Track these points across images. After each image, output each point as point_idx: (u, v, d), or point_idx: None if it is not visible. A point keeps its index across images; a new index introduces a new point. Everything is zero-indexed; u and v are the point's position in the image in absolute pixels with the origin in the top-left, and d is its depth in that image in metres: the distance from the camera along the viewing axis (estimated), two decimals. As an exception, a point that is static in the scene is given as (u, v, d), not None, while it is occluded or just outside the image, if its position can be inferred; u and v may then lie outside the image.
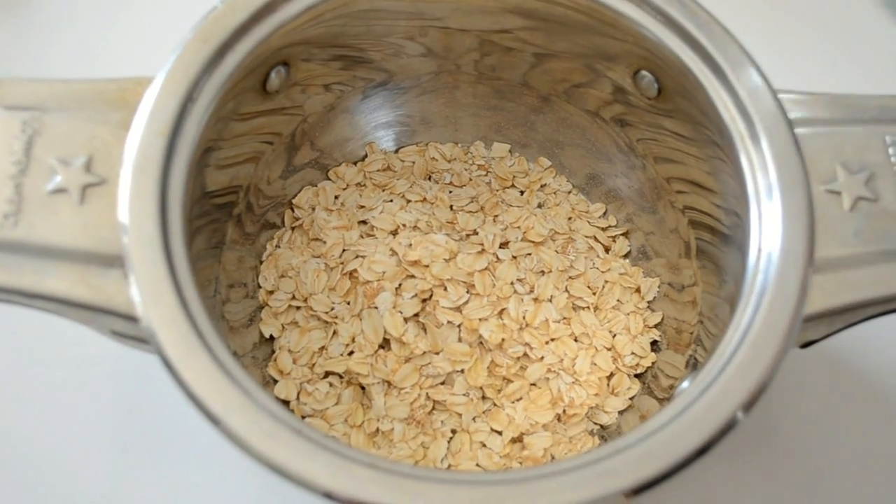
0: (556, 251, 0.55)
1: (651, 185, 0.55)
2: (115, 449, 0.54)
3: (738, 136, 0.42)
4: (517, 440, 0.50)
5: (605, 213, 0.58)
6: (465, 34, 0.53)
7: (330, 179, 0.58)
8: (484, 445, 0.50)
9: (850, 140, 0.43)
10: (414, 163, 0.58)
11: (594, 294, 0.54)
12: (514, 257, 0.54)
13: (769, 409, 0.56)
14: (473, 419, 0.51)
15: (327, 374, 0.51)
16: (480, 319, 0.50)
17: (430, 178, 0.59)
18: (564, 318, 0.53)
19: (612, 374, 0.53)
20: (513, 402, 0.51)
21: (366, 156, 0.59)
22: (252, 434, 0.35)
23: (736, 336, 0.39)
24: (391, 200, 0.56)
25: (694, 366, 0.49)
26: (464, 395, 0.51)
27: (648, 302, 0.55)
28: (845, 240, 0.41)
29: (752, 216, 0.42)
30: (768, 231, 0.41)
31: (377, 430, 0.49)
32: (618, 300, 0.54)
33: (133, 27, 0.69)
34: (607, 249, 0.57)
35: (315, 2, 0.45)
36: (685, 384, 0.44)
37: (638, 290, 0.55)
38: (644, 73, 0.48)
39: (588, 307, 0.54)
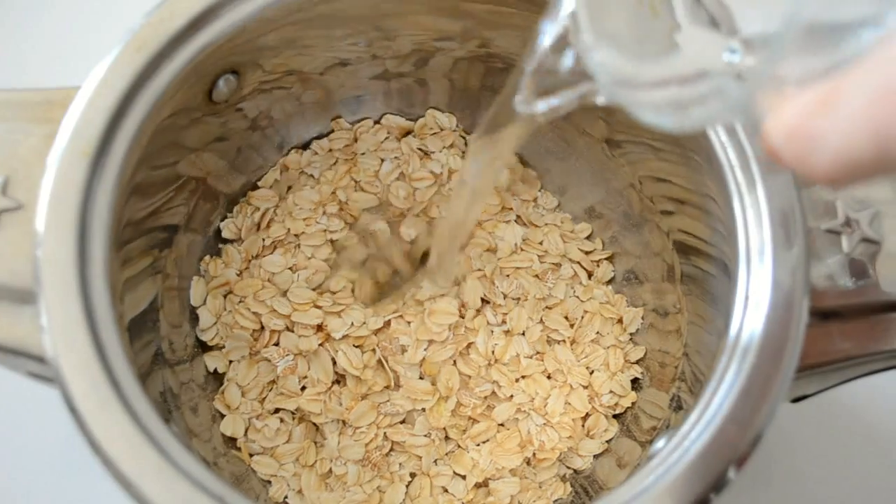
0: (535, 276, 0.51)
1: (638, 203, 0.50)
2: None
3: (728, 167, 0.38)
4: (482, 485, 0.47)
5: (590, 235, 0.53)
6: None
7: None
8: (446, 491, 0.46)
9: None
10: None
11: (571, 326, 0.50)
12: (486, 277, 0.50)
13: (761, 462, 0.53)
14: (435, 462, 0.47)
15: (278, 409, 0.47)
16: (443, 361, 0.47)
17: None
18: (538, 353, 0.49)
19: (587, 415, 0.49)
20: (478, 445, 0.47)
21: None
22: (166, 500, 0.31)
23: (722, 389, 0.36)
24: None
25: (678, 406, 0.45)
26: (424, 435, 0.47)
27: (631, 334, 0.50)
28: (844, 287, 0.37)
29: (741, 255, 0.37)
30: (758, 275, 0.37)
31: (330, 470, 0.46)
32: (597, 332, 0.50)
33: (67, 31, 0.61)
34: (590, 275, 0.52)
35: (265, 4, 0.40)
36: (661, 442, 0.40)
37: (620, 321, 0.50)
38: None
39: (564, 340, 0.50)
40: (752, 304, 0.36)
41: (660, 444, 0.39)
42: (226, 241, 0.51)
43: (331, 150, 0.53)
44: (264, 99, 0.48)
